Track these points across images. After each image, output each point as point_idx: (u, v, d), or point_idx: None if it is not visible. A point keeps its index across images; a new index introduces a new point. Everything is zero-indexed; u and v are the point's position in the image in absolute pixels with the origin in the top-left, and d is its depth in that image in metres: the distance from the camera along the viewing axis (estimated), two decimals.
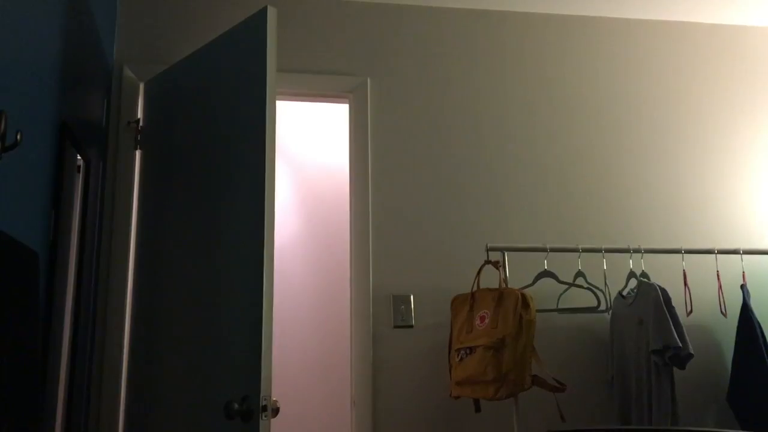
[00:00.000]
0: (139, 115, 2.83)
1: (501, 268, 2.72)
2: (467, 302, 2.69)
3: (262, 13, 2.17)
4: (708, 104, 3.36)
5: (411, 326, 2.88)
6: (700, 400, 2.96)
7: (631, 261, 2.92)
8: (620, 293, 2.90)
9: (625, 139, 3.26)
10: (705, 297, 3.03)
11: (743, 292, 2.85)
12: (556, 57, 3.31)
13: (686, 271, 2.95)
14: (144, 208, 2.71)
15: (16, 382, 1.41)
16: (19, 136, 1.58)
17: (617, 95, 3.31)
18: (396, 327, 2.87)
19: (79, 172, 2.40)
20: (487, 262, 2.74)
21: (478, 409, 2.63)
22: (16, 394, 1.40)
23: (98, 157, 2.67)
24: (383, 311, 2.87)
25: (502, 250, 2.80)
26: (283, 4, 2.97)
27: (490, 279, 2.76)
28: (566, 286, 2.86)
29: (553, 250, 2.84)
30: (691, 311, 2.87)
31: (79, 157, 2.37)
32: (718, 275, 2.90)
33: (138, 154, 2.80)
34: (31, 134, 1.78)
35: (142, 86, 2.87)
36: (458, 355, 2.58)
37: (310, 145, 4.11)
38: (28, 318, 1.53)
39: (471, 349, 2.53)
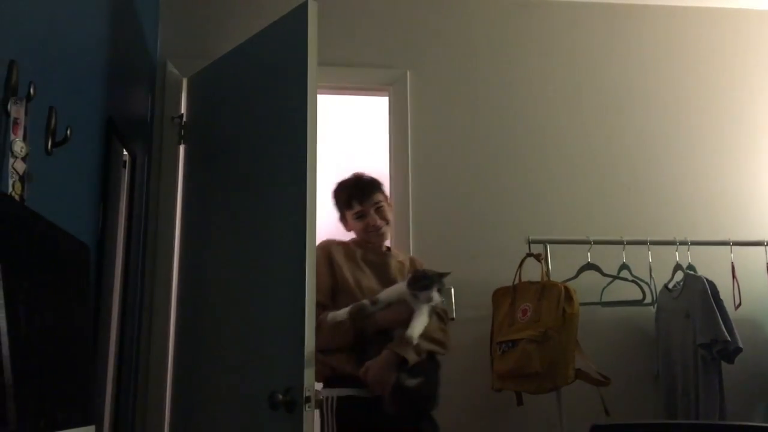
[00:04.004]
0: (183, 110, 2.87)
1: (543, 261, 2.69)
2: (509, 295, 2.67)
3: (303, 8, 2.18)
4: (760, 93, 3.27)
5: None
6: (749, 395, 2.89)
7: (677, 253, 2.86)
8: (666, 286, 2.85)
9: (672, 128, 3.19)
10: (754, 290, 2.95)
11: None
12: (601, 46, 3.25)
13: (734, 263, 2.88)
14: (188, 202, 2.75)
15: (70, 370, 1.45)
16: (69, 132, 1.62)
17: (664, 84, 3.24)
18: None
19: (125, 166, 2.45)
20: (529, 254, 2.71)
21: (520, 402, 2.62)
22: (69, 380, 1.44)
23: (143, 152, 2.72)
24: None
25: (544, 242, 2.77)
26: None
27: (532, 272, 2.73)
28: (610, 279, 2.82)
29: (596, 242, 2.80)
30: (739, 304, 2.80)
31: (125, 152, 2.41)
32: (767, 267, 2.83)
33: (182, 148, 2.84)
34: (79, 130, 1.82)
35: (185, 81, 2.91)
36: (500, 348, 2.57)
37: (351, 140, 4.12)
38: (80, 308, 1.57)
39: (513, 343, 2.52)
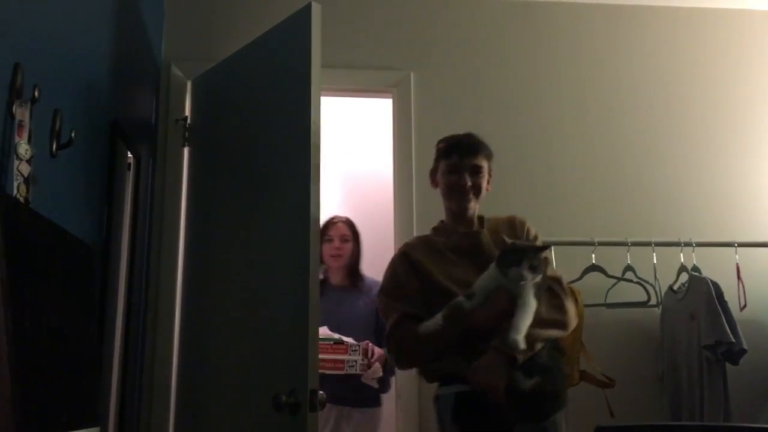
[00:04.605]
0: (187, 112, 2.88)
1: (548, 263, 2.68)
2: None
3: (306, 10, 2.19)
4: (765, 94, 3.26)
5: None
6: (754, 396, 2.88)
7: (681, 255, 2.86)
8: (671, 287, 2.84)
9: (676, 129, 3.18)
10: (759, 291, 2.94)
11: None
12: (605, 47, 3.25)
13: (739, 264, 2.87)
14: (192, 204, 2.76)
15: (75, 370, 1.46)
16: (73, 134, 1.63)
17: (668, 85, 3.23)
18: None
19: (129, 169, 2.46)
20: None
21: None
22: (74, 381, 1.44)
23: (148, 154, 2.73)
24: None
25: (548, 244, 2.77)
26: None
27: None
28: (615, 281, 2.81)
29: (601, 243, 2.80)
30: (744, 306, 2.80)
31: (129, 154, 2.42)
32: None
33: (186, 150, 2.85)
34: (84, 132, 1.83)
35: (189, 84, 2.92)
36: None
37: (355, 142, 4.13)
38: (84, 309, 1.58)
39: None
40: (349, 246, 3.03)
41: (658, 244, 2.80)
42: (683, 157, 3.16)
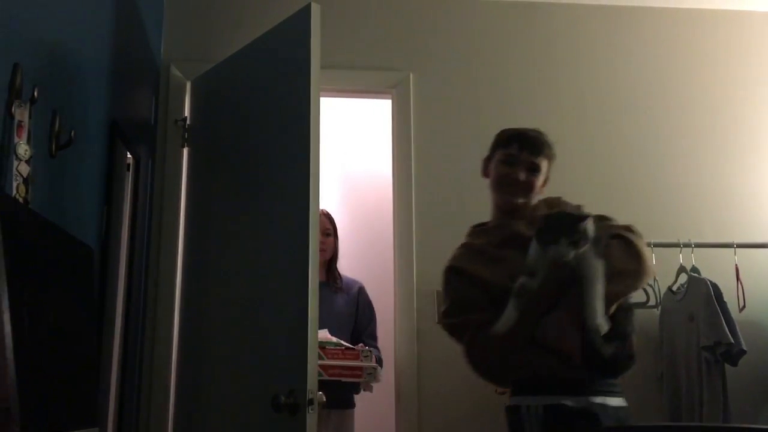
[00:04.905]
0: (186, 113, 2.88)
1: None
2: None
3: (306, 10, 2.19)
4: (764, 95, 3.26)
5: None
6: (753, 397, 2.87)
7: (681, 255, 2.86)
8: (670, 288, 2.84)
9: (675, 130, 3.18)
10: (758, 292, 2.94)
11: None
12: (604, 48, 3.25)
13: (738, 265, 2.87)
14: (192, 204, 2.76)
15: (74, 371, 1.46)
16: (73, 135, 1.63)
17: (667, 86, 3.23)
18: (440, 322, 2.86)
19: (129, 169, 2.46)
20: None
21: None
22: (73, 382, 1.44)
23: (147, 155, 2.73)
24: (427, 307, 2.86)
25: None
26: (326, 0, 2.98)
27: None
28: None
29: None
30: (743, 307, 2.80)
31: (129, 155, 2.42)
32: None
33: (185, 151, 2.84)
34: (83, 133, 1.83)
35: (188, 85, 2.91)
36: None
37: (354, 143, 4.12)
38: (84, 310, 1.58)
39: None
40: (330, 240, 3.01)
41: (657, 245, 2.80)
42: (682, 158, 3.16)
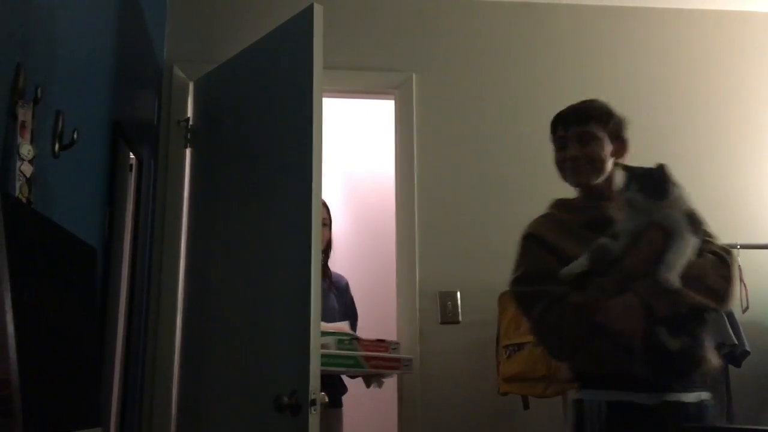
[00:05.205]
0: (189, 113, 2.88)
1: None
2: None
3: (308, 11, 2.19)
4: (765, 94, 3.25)
5: (458, 322, 2.87)
6: (757, 398, 2.87)
7: None
8: None
9: (678, 131, 3.18)
10: (762, 293, 2.93)
11: None
12: (607, 49, 3.25)
13: (742, 266, 2.85)
14: (194, 205, 2.76)
15: (77, 371, 1.46)
16: (75, 135, 1.63)
17: (670, 86, 3.23)
18: (442, 323, 2.87)
19: (131, 170, 2.46)
20: None
21: (526, 406, 2.61)
22: (76, 382, 1.44)
23: (150, 156, 2.73)
24: (430, 307, 2.86)
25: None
26: (329, 1, 2.98)
27: None
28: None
29: None
30: (747, 308, 2.79)
31: (131, 156, 2.42)
32: None
33: (188, 152, 2.85)
34: (86, 133, 1.83)
35: (191, 85, 2.92)
36: (506, 351, 2.56)
37: (357, 143, 4.12)
38: (86, 310, 1.58)
39: (519, 346, 2.51)
40: (327, 231, 2.85)
41: None
42: (685, 159, 3.15)
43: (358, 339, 2.52)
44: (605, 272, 1.64)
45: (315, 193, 2.03)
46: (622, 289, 1.62)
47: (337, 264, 3.07)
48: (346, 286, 2.99)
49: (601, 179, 1.84)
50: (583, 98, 3.15)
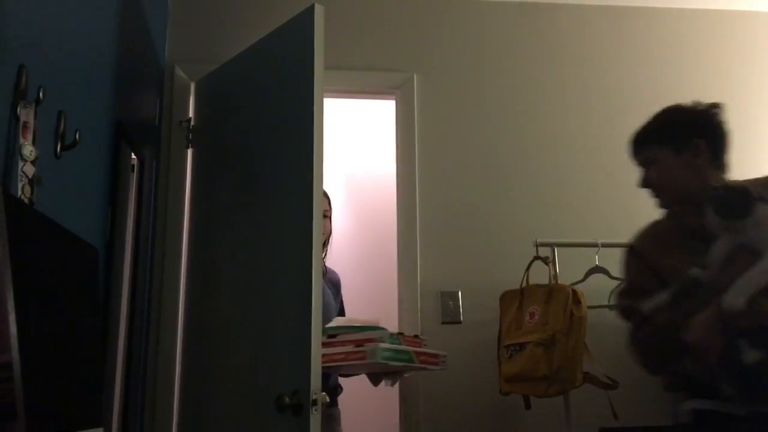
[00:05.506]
0: (191, 114, 2.89)
1: (551, 264, 2.68)
2: (516, 298, 2.66)
3: (309, 11, 2.19)
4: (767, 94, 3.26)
5: (459, 322, 2.87)
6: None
7: None
8: None
9: None
10: None
11: None
12: (609, 49, 3.25)
13: None
14: (196, 205, 2.76)
15: (79, 371, 1.46)
16: (78, 136, 1.63)
17: (672, 86, 3.23)
18: (444, 323, 2.87)
19: (133, 170, 2.46)
20: (537, 257, 2.71)
21: (528, 406, 2.61)
22: (78, 382, 1.45)
23: (152, 156, 2.73)
24: (431, 307, 2.86)
25: (551, 245, 2.77)
26: (330, 1, 2.99)
27: (540, 275, 2.72)
28: (618, 282, 2.80)
29: (604, 245, 2.78)
30: None
31: (133, 156, 2.43)
32: None
33: (189, 152, 2.85)
34: (88, 134, 1.83)
35: (193, 86, 2.92)
36: (507, 351, 2.56)
37: (358, 144, 4.13)
38: (88, 310, 1.58)
39: (521, 346, 2.51)
40: (327, 223, 2.77)
41: None
42: None
43: (402, 334, 2.45)
44: (692, 300, 1.62)
45: (316, 193, 2.03)
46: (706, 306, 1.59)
47: (338, 264, 3.07)
48: (338, 281, 2.92)
49: (682, 193, 1.83)
50: (584, 98, 3.13)
